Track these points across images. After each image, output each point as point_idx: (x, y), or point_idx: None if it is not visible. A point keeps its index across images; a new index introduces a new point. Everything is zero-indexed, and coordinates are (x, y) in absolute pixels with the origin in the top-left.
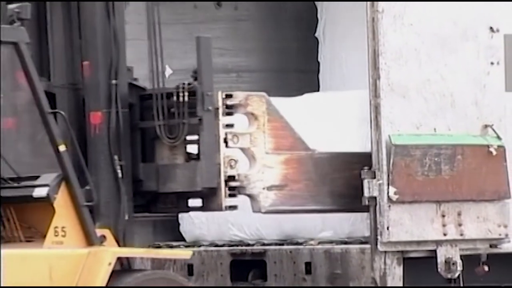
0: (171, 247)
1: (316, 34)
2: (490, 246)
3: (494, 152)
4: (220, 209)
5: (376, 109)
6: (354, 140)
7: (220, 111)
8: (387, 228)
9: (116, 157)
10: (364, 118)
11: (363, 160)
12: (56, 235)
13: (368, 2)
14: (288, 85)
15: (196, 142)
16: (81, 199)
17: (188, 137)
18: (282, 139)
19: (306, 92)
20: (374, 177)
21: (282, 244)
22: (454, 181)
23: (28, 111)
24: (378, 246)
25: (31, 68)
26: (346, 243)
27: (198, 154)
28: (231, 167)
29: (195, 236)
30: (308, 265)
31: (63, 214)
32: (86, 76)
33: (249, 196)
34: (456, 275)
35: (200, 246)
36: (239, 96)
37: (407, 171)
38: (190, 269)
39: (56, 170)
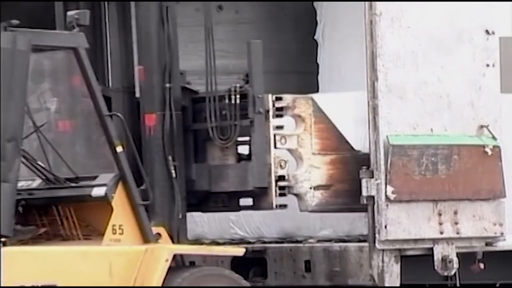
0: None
1: (315, 37)
2: (486, 244)
3: (490, 152)
4: (271, 208)
5: (374, 110)
6: (352, 140)
7: (270, 113)
8: (385, 227)
9: (170, 157)
10: (361, 119)
11: None
12: (114, 233)
13: (366, 5)
14: (287, 86)
15: (247, 143)
16: (137, 198)
17: (239, 138)
18: (328, 140)
19: (305, 93)
20: (372, 177)
21: (282, 242)
22: (450, 181)
23: (86, 114)
24: (376, 244)
25: (90, 72)
26: (344, 241)
27: (249, 155)
28: (281, 167)
29: (196, 234)
30: (307, 263)
31: (121, 212)
32: (141, 79)
33: (296, 195)
34: (453, 272)
35: (201, 244)
36: (287, 99)
37: (405, 171)
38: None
39: (113, 170)
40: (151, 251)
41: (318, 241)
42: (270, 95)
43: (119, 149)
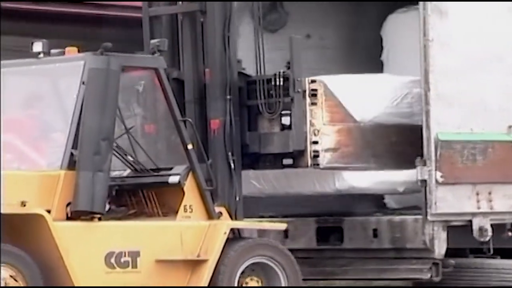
0: (272, 217)
1: (381, 58)
2: None
3: None
4: (306, 166)
5: (426, 113)
6: (355, 114)
7: (307, 92)
8: (435, 203)
9: (230, 153)
10: (362, 96)
11: (397, 131)
12: (185, 212)
13: (421, 32)
14: None
15: (289, 115)
16: (203, 184)
17: (283, 112)
18: (336, 114)
19: None
20: (425, 165)
21: (356, 215)
22: (486, 168)
23: (165, 119)
24: (428, 217)
25: (167, 88)
26: (403, 214)
27: (290, 125)
28: (314, 134)
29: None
30: (375, 230)
31: (190, 196)
32: (208, 82)
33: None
34: (487, 239)
35: (294, 216)
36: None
37: (450, 160)
38: (286, 233)
39: (185, 163)
40: (213, 226)
41: (383, 214)
42: (306, 79)
43: (189, 147)
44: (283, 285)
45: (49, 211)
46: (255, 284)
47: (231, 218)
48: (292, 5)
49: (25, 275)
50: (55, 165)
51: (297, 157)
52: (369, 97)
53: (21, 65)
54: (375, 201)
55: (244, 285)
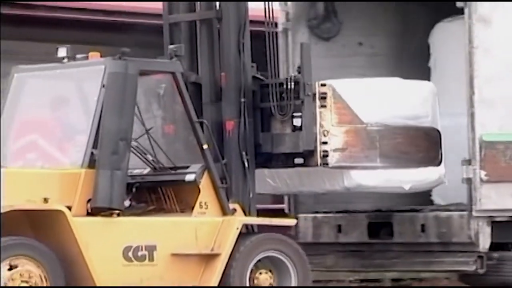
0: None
1: (429, 64)
2: None
3: None
4: (316, 165)
5: (471, 116)
6: (361, 115)
7: (317, 95)
8: (479, 200)
9: (244, 153)
10: (369, 99)
11: (403, 132)
12: (201, 208)
13: (467, 40)
14: None
15: (300, 117)
16: (218, 182)
17: (294, 114)
18: (344, 116)
19: None
20: (470, 164)
21: (405, 211)
22: None
23: (183, 121)
24: (473, 212)
25: (184, 91)
26: (449, 210)
27: (301, 126)
28: (324, 135)
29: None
30: (423, 226)
31: (206, 193)
32: (223, 85)
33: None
34: None
35: (346, 212)
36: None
37: (494, 160)
38: (339, 228)
39: (200, 162)
40: (227, 221)
41: (430, 210)
42: (316, 82)
43: (205, 147)
44: (293, 277)
45: (70, 208)
46: (267, 277)
47: (245, 214)
48: (345, 15)
49: (46, 268)
50: (77, 164)
51: (307, 156)
52: (375, 100)
53: (47, 69)
54: (422, 198)
55: (256, 277)
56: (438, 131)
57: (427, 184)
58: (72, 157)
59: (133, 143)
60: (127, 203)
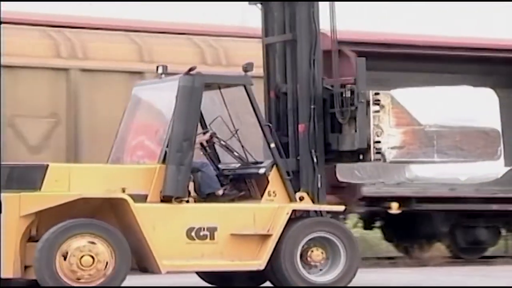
0: None
1: None
2: None
3: None
4: (370, 161)
5: None
6: (420, 119)
7: (371, 102)
8: None
9: (313, 150)
10: (425, 105)
11: (461, 132)
12: (269, 196)
13: None
14: None
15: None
16: (285, 174)
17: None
18: (402, 119)
19: None
20: None
21: None
22: None
23: (254, 125)
24: None
25: (254, 101)
26: None
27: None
28: (377, 135)
29: None
30: None
31: (274, 183)
32: (299, 95)
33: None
34: None
35: None
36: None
37: None
38: None
39: (270, 158)
40: (280, 208)
41: None
42: (371, 91)
43: (272, 145)
44: (342, 254)
45: (146, 196)
46: (318, 253)
47: (313, 202)
48: None
49: (114, 248)
50: (154, 160)
51: (364, 153)
52: (433, 106)
53: (151, 83)
54: None
55: (309, 254)
56: (498, 131)
57: (483, 176)
58: (154, 154)
59: (223, 143)
60: (220, 191)
